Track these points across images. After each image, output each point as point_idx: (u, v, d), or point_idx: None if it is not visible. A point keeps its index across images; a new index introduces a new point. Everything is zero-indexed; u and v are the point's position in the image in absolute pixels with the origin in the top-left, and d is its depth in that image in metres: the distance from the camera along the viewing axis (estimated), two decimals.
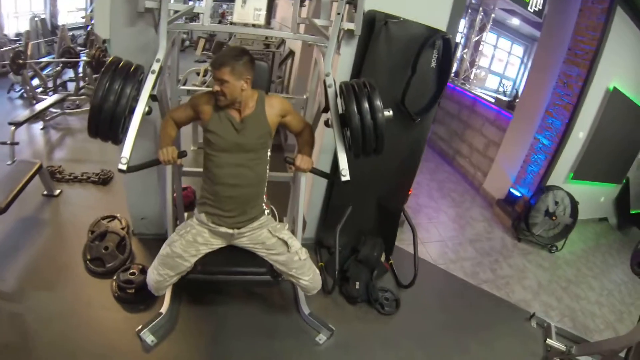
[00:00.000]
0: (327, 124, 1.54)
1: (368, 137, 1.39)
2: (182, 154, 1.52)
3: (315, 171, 1.61)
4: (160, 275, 1.67)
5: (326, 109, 1.47)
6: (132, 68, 1.35)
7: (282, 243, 1.74)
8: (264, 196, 1.76)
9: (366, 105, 1.36)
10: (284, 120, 1.68)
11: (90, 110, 1.29)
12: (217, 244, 1.75)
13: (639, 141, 4.36)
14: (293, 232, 2.09)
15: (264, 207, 1.76)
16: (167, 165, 1.53)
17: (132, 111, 1.33)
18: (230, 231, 1.69)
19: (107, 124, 1.30)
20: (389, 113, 1.41)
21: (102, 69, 1.31)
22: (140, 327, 1.77)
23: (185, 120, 1.67)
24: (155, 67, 1.41)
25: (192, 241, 1.68)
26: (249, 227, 1.71)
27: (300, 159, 1.56)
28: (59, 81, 5.01)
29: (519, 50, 7.51)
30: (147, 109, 1.35)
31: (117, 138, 1.36)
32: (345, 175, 1.42)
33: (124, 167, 1.31)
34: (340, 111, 1.48)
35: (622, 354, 1.88)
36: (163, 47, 1.47)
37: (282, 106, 1.66)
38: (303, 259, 1.76)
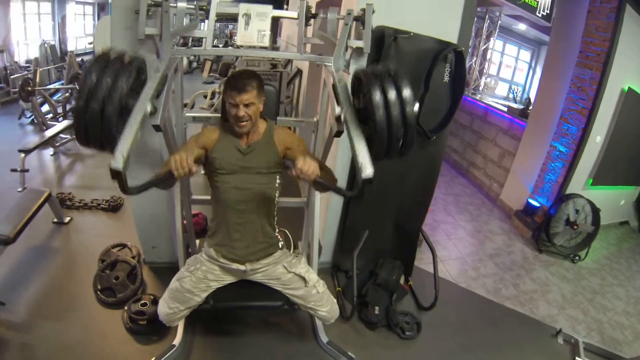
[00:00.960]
0: (339, 133, 1.28)
1: (395, 135, 1.13)
2: (199, 161, 1.30)
3: (321, 182, 1.26)
4: (170, 308, 1.63)
5: (339, 133, 1.37)
6: (128, 60, 1.14)
7: (299, 278, 1.67)
8: (276, 225, 1.68)
9: (393, 94, 1.11)
10: (288, 153, 1.56)
11: (74, 111, 1.08)
12: (229, 279, 1.69)
13: None
14: (308, 257, 2.03)
15: (278, 237, 1.68)
16: (180, 178, 1.24)
17: (129, 111, 1.11)
18: (243, 267, 1.62)
19: (97, 125, 1.06)
20: (416, 107, 1.25)
21: (90, 63, 1.10)
22: (153, 359, 1.73)
23: (195, 159, 1.51)
24: (160, 66, 1.30)
25: (203, 278, 1.63)
26: (263, 263, 1.64)
27: (303, 161, 1.23)
28: (68, 107, 5.07)
29: (526, 55, 7.43)
30: (150, 108, 1.14)
31: (113, 142, 1.08)
32: (367, 169, 1.08)
33: (119, 166, 0.99)
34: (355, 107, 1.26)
35: None
36: (166, 62, 1.40)
37: (290, 138, 1.59)
38: (321, 291, 1.70)
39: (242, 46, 1.82)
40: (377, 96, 1.11)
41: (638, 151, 4.07)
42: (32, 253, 2.45)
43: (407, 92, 1.12)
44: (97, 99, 1.04)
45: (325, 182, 1.27)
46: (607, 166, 3.70)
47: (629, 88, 3.43)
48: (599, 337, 2.54)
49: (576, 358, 2.14)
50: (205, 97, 4.24)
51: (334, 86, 1.38)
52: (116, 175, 1.01)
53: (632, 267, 3.67)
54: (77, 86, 4.98)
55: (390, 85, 1.13)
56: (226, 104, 1.46)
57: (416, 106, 1.16)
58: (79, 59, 6.69)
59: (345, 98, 1.29)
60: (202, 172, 1.61)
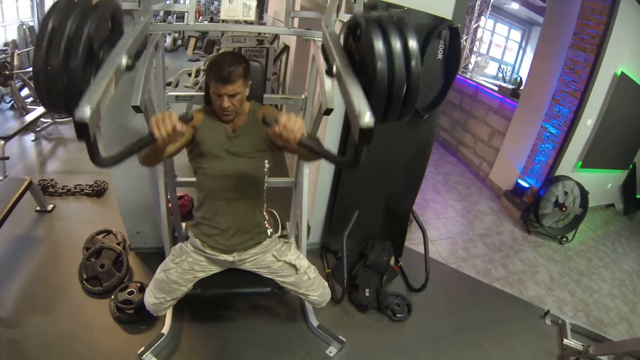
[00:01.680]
0: (329, 72, 1.05)
1: (396, 93, 0.94)
2: (187, 118, 1.06)
3: (307, 143, 1.03)
4: (156, 298, 1.59)
5: (328, 111, 1.30)
6: (94, 1, 0.93)
7: (289, 266, 1.64)
8: (265, 213, 1.63)
9: (398, 44, 0.92)
10: None
11: (32, 69, 0.87)
12: (216, 269, 1.64)
13: None
14: (297, 238, 1.99)
15: (267, 226, 1.63)
16: (165, 143, 1.03)
17: (99, 65, 0.93)
18: (230, 258, 1.57)
19: (60, 85, 0.87)
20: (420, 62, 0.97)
21: (49, 9, 0.89)
22: (142, 349, 1.70)
23: (177, 146, 1.38)
24: (139, 20, 1.14)
25: (189, 269, 1.58)
26: (251, 252, 1.59)
27: (287, 118, 1.02)
28: None
29: (516, 34, 7.38)
30: (127, 60, 0.93)
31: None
32: (365, 117, 0.81)
33: (85, 116, 0.75)
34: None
35: None
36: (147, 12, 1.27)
37: (274, 116, 1.52)
38: (312, 277, 1.67)
39: (226, 21, 1.73)
40: (380, 45, 0.91)
41: (627, 136, 4.11)
42: (15, 244, 2.37)
43: (413, 44, 0.94)
44: (58, 49, 0.84)
45: (313, 143, 1.06)
46: (596, 149, 3.72)
47: (622, 72, 3.41)
48: (585, 318, 2.59)
49: (564, 339, 2.18)
50: (190, 75, 4.11)
51: (323, 45, 1.17)
52: (83, 131, 0.77)
53: (618, 249, 3.74)
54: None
55: (394, 33, 0.94)
56: (210, 90, 1.37)
57: (420, 62, 0.96)
58: None
59: (338, 50, 1.06)
60: (188, 156, 1.54)
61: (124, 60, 0.93)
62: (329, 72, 1.05)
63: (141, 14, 1.25)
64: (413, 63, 0.93)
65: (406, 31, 0.95)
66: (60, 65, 0.85)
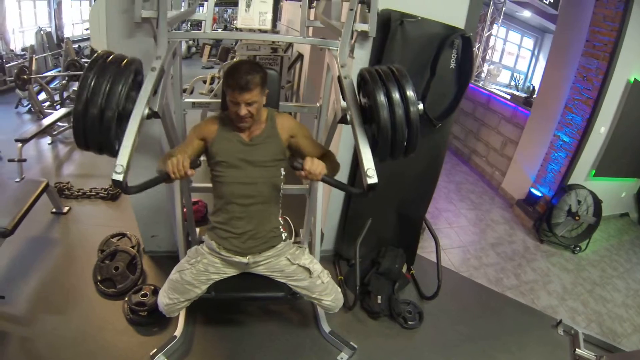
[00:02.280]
0: (344, 119, 1.28)
1: (399, 136, 1.13)
2: (195, 164, 1.29)
3: (328, 180, 1.33)
4: (170, 299, 1.61)
5: (344, 120, 1.33)
6: (125, 62, 1.13)
7: (303, 269, 1.65)
8: (280, 218, 1.65)
9: (397, 95, 1.12)
10: (292, 142, 1.53)
11: (73, 118, 1.07)
12: (231, 272, 1.66)
13: None
14: (310, 245, 2.00)
15: (282, 230, 1.65)
16: (177, 179, 1.27)
17: (127, 115, 1.13)
18: (245, 260, 1.59)
19: (95, 131, 1.07)
20: (421, 106, 1.17)
21: (87, 65, 1.09)
22: (154, 351, 1.72)
23: (195, 153, 1.47)
24: (156, 64, 1.26)
25: (204, 270, 1.60)
26: (265, 255, 1.61)
27: (311, 162, 1.28)
28: (65, 94, 4.99)
29: (529, 42, 7.34)
30: (147, 111, 1.15)
31: (111, 147, 1.11)
32: (372, 177, 1.13)
33: (120, 178, 1.05)
34: (360, 104, 1.27)
35: None
36: (164, 45, 1.35)
37: (292, 125, 1.54)
38: (326, 281, 1.67)
39: (242, 29, 1.77)
40: (382, 97, 1.12)
41: None
42: (30, 245, 2.42)
43: (410, 92, 1.13)
44: (95, 104, 1.04)
45: (332, 180, 1.35)
46: (610, 157, 3.66)
47: (635, 80, 3.37)
48: (598, 328, 2.55)
49: (576, 349, 2.15)
50: (205, 82, 4.17)
51: (339, 78, 1.36)
52: (118, 184, 1.07)
53: (632, 259, 3.66)
54: (73, 72, 4.90)
55: (393, 85, 1.14)
56: (226, 98, 1.39)
57: (420, 105, 1.17)
58: (75, 46, 6.60)
59: (352, 96, 1.29)
60: (203, 157, 1.56)
61: (146, 112, 1.14)
62: (343, 121, 1.28)
63: (159, 51, 1.33)
64: (412, 109, 1.12)
65: (403, 82, 1.14)
66: (96, 118, 1.05)
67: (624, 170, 4.10)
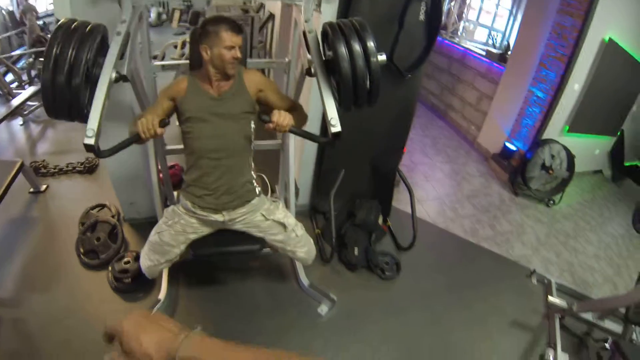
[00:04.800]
0: (309, 72, 1.34)
1: (360, 85, 1.19)
2: (164, 123, 1.33)
3: (296, 131, 1.40)
4: (150, 260, 1.65)
5: (309, 72, 1.34)
6: (88, 28, 1.13)
7: (278, 224, 1.69)
8: (252, 172, 1.66)
9: (357, 46, 1.16)
10: (261, 96, 1.56)
11: (41, 87, 1.09)
12: (208, 231, 1.69)
13: (635, 93, 4.26)
14: (286, 200, 2.03)
15: (255, 185, 1.67)
16: (148, 139, 1.31)
17: (95, 81, 1.13)
18: (221, 218, 1.62)
19: (65, 100, 1.08)
20: (382, 57, 1.21)
21: (51, 35, 1.10)
22: None
23: (164, 114, 1.48)
24: (121, 28, 1.25)
25: (181, 231, 1.63)
26: (240, 212, 1.64)
27: (278, 115, 1.35)
28: (33, 73, 4.80)
29: (507, 1, 7.25)
30: (115, 75, 1.16)
31: (81, 113, 1.14)
32: (335, 126, 1.20)
33: (91, 141, 1.07)
34: (324, 58, 1.31)
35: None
36: (128, 9, 1.34)
37: (260, 80, 1.57)
38: (300, 234, 1.73)
39: None
40: (342, 49, 1.17)
41: (615, 102, 4.10)
42: (11, 226, 2.40)
43: (370, 44, 1.18)
44: (62, 71, 1.05)
45: (300, 131, 1.41)
46: (583, 114, 3.73)
47: (610, 39, 3.39)
48: (571, 278, 2.66)
49: (549, 297, 2.22)
50: (176, 47, 4.06)
51: (304, 33, 1.39)
52: (90, 148, 1.09)
53: (604, 213, 3.79)
54: (40, 49, 4.70)
55: (354, 37, 1.18)
56: (214, 49, 1.41)
57: (382, 56, 1.21)
58: (40, 22, 6.29)
59: (315, 50, 1.33)
60: (177, 123, 1.57)
61: (113, 75, 1.15)
62: (309, 73, 1.34)
63: (124, 15, 1.33)
64: (372, 60, 1.18)
65: (364, 34, 1.19)
66: (64, 83, 1.06)
67: (597, 127, 4.18)
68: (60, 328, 1.76)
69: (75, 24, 1.12)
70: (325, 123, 1.25)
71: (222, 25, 1.39)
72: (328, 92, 1.25)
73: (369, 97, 1.25)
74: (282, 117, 1.35)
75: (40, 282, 2.00)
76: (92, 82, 1.14)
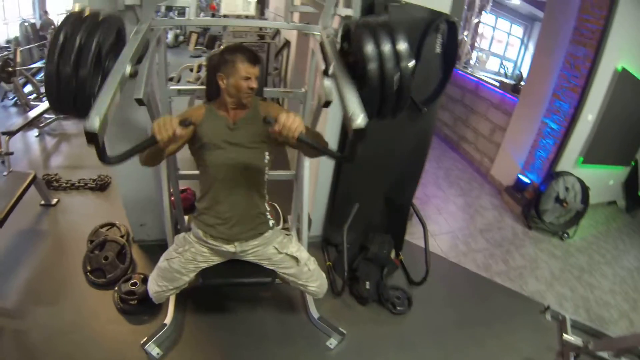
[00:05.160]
0: (326, 72, 1.16)
1: (388, 91, 1.02)
2: (185, 123, 1.14)
3: (305, 139, 1.12)
4: (159, 286, 1.63)
5: (327, 104, 1.32)
6: (101, 17, 1.02)
7: (291, 258, 1.66)
8: (266, 204, 1.64)
9: (388, 46, 1.00)
10: None
11: (45, 77, 0.96)
12: (219, 260, 1.67)
13: None
14: (298, 231, 2.01)
15: (268, 217, 1.64)
16: (166, 145, 1.12)
17: (105, 74, 1.02)
18: (232, 249, 1.59)
19: (69, 91, 0.95)
20: (413, 62, 1.04)
21: (60, 22, 0.98)
22: (145, 339, 1.73)
23: (178, 145, 1.43)
24: (140, 28, 1.21)
25: (192, 259, 1.61)
26: (252, 244, 1.61)
27: (286, 116, 1.09)
28: None
29: (518, 30, 7.34)
30: (130, 69, 1.04)
31: (88, 109, 0.96)
32: (357, 120, 0.93)
33: (95, 128, 0.87)
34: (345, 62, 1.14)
35: None
36: (148, 16, 1.35)
37: (276, 110, 1.54)
38: (312, 269, 1.70)
39: (227, 16, 1.76)
40: (370, 48, 0.99)
41: (629, 132, 4.07)
42: (20, 237, 2.41)
43: (403, 45, 1.01)
44: (69, 59, 0.93)
45: (311, 141, 1.14)
46: (597, 145, 3.69)
47: (623, 68, 3.39)
48: (586, 314, 2.58)
49: (564, 334, 2.17)
50: (192, 70, 4.14)
51: (321, 44, 1.29)
52: (92, 139, 0.88)
53: (619, 246, 3.70)
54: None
55: (384, 36, 1.01)
56: (231, 79, 1.40)
57: (412, 62, 1.03)
58: None
59: (334, 52, 1.19)
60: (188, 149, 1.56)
61: (128, 69, 1.04)
62: (326, 72, 1.16)
63: (142, 20, 1.30)
64: (403, 63, 1.00)
65: (396, 34, 1.02)
66: (70, 74, 0.94)
67: (611, 158, 4.14)
68: (63, 342, 1.75)
69: (86, 13, 1.02)
70: (340, 151, 1.13)
71: (239, 56, 1.38)
72: (349, 86, 1.03)
73: (395, 106, 1.07)
74: (290, 120, 1.09)
75: (45, 296, 2.00)
76: (103, 75, 1.03)
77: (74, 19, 0.98)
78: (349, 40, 1.15)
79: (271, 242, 1.65)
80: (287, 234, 1.75)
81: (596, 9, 3.10)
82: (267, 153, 1.55)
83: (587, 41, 3.19)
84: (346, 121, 0.98)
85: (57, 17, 8.30)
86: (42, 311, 1.90)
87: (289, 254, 1.66)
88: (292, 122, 1.09)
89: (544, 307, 2.43)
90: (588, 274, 3.08)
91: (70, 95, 0.97)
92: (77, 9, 1.04)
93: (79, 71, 0.95)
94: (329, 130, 2.13)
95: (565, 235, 3.51)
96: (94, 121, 0.88)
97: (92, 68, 0.97)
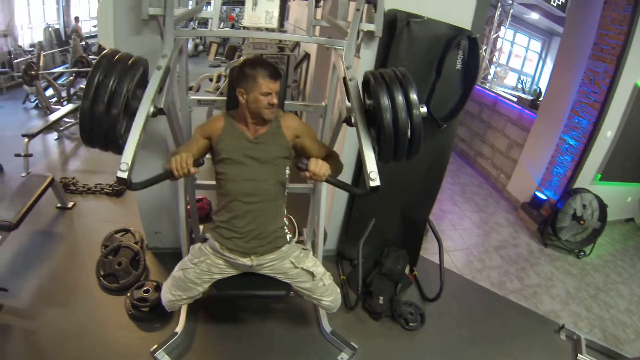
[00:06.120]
0: (348, 121, 1.33)
1: (401, 139, 1.16)
2: (198, 163, 1.32)
3: (332, 181, 1.35)
4: (172, 295, 1.63)
5: (348, 121, 1.33)
6: (131, 61, 1.15)
7: (306, 273, 1.65)
8: (284, 219, 1.64)
9: (400, 98, 1.13)
10: (297, 142, 1.55)
11: (80, 114, 1.09)
12: (234, 272, 1.66)
13: None
14: (313, 244, 2.00)
15: (286, 232, 1.64)
16: (181, 177, 1.30)
17: (133, 113, 1.15)
18: (249, 262, 1.58)
19: (101, 129, 1.08)
20: (424, 109, 1.18)
21: (94, 63, 1.11)
22: (155, 346, 1.72)
23: (199, 152, 1.49)
24: (162, 62, 1.27)
25: (207, 270, 1.60)
26: (269, 258, 1.60)
27: (315, 163, 1.30)
28: (72, 91, 5.03)
29: (536, 45, 7.29)
30: (152, 109, 1.17)
31: (116, 144, 1.14)
32: (375, 180, 1.16)
33: (125, 175, 1.07)
34: (365, 107, 1.29)
35: None
36: (170, 43, 1.37)
37: (297, 125, 1.56)
38: (327, 284, 1.69)
39: (248, 28, 1.77)
40: (385, 99, 1.14)
41: None
42: (35, 239, 2.44)
43: (413, 96, 1.15)
44: (102, 101, 1.06)
45: (336, 181, 1.37)
46: (616, 162, 3.63)
47: None
48: (601, 334, 2.52)
49: (578, 355, 2.13)
50: (211, 80, 4.19)
51: (344, 80, 1.38)
52: (122, 182, 1.09)
53: (636, 265, 3.61)
54: (80, 69, 4.94)
55: (397, 89, 1.15)
56: (251, 94, 1.41)
57: (423, 109, 1.18)
58: (83, 43, 6.65)
59: (356, 98, 1.31)
60: (207, 156, 1.57)
61: (151, 110, 1.17)
62: (348, 122, 1.33)
63: (165, 50, 1.35)
64: (414, 112, 1.14)
65: (407, 86, 1.16)
66: (103, 114, 1.07)
67: (630, 175, 4.06)
68: (71, 347, 1.76)
69: (118, 55, 1.14)
70: (358, 170, 1.22)
71: (260, 71, 1.38)
72: (368, 143, 1.22)
73: (408, 151, 1.21)
74: (319, 167, 1.30)
75: (57, 298, 2.02)
76: (129, 114, 1.16)
77: (107, 61, 1.11)
78: (368, 92, 1.27)
79: (288, 257, 1.64)
80: (304, 249, 1.74)
81: (616, 25, 3.08)
82: (287, 167, 1.55)
83: (606, 57, 3.16)
84: (365, 177, 1.19)
85: (80, 22, 8.53)
86: (53, 313, 1.92)
87: (305, 268, 1.65)
88: (320, 169, 1.30)
89: (558, 326, 2.38)
90: (604, 293, 3.01)
91: (102, 131, 1.10)
92: (107, 51, 1.16)
93: (111, 111, 1.08)
94: (347, 147, 2.14)
95: (582, 253, 3.44)
96: (124, 169, 1.07)
97: (122, 108, 1.10)
